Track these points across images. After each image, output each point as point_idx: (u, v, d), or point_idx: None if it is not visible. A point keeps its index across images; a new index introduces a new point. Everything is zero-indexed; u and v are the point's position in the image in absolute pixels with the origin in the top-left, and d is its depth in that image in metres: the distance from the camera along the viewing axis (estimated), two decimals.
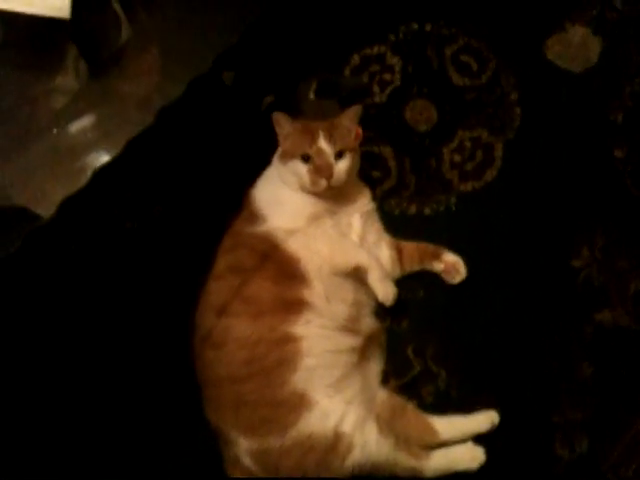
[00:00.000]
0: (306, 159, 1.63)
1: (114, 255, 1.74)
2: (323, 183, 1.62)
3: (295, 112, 1.79)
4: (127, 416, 1.70)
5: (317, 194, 1.66)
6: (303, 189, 1.65)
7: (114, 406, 1.70)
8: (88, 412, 1.69)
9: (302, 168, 1.63)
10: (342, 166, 1.64)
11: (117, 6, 1.67)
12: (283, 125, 1.67)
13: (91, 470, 1.65)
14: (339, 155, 1.64)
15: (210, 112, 1.85)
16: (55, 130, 1.37)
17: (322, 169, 1.61)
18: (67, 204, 1.21)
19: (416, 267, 1.78)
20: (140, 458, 1.69)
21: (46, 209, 1.23)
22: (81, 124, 1.41)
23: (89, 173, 1.29)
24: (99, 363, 1.72)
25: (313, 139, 1.63)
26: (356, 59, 2.02)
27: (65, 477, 1.64)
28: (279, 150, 1.71)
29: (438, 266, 1.76)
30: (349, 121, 1.69)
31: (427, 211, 1.89)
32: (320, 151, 1.62)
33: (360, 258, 1.64)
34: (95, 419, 1.69)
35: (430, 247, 1.78)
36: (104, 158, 1.33)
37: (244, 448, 1.53)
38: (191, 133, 1.69)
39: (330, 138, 1.63)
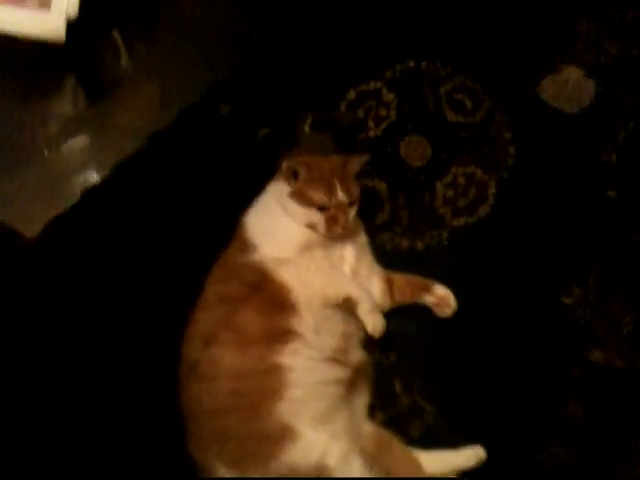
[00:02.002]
0: (323, 208, 1.66)
1: (102, 282, 1.73)
2: (339, 231, 1.66)
3: (290, 145, 1.81)
4: (108, 448, 1.65)
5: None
6: (314, 231, 1.68)
7: (97, 437, 1.65)
8: (69, 442, 1.64)
9: (318, 217, 1.67)
10: (353, 213, 1.70)
11: (117, 37, 1.70)
12: (300, 171, 1.69)
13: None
14: (351, 204, 1.69)
15: (205, 142, 1.87)
16: (46, 152, 1.38)
17: (339, 219, 1.66)
18: (54, 224, 1.22)
19: (407, 300, 1.78)
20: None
21: (33, 230, 1.24)
22: (73, 147, 1.43)
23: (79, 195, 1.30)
24: (81, 392, 1.66)
25: (331, 191, 1.66)
26: (352, 94, 2.04)
27: None
28: (286, 186, 1.71)
29: (429, 299, 1.76)
30: (358, 167, 1.74)
31: (419, 245, 1.89)
32: (339, 204, 1.66)
33: (351, 290, 1.65)
34: (75, 452, 1.63)
35: (421, 280, 1.78)
36: (94, 180, 1.34)
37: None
38: (184, 160, 1.70)
39: (346, 189, 1.67)
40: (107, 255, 1.59)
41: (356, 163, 1.74)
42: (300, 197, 1.68)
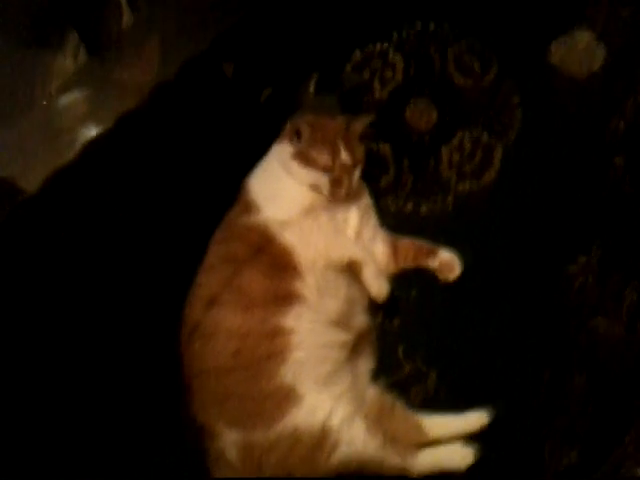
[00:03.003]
0: (327, 170, 1.63)
1: (104, 243, 1.72)
2: (343, 193, 1.64)
3: (294, 106, 1.78)
4: (108, 412, 1.66)
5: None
6: (317, 193, 1.65)
7: (94, 401, 1.66)
8: (65, 404, 1.64)
9: (323, 179, 1.64)
10: (357, 175, 1.67)
11: None
12: (304, 133, 1.66)
13: (65, 464, 1.60)
14: (355, 165, 1.66)
15: (208, 102, 1.84)
16: (45, 103, 1.35)
17: (343, 182, 1.63)
18: (54, 179, 1.18)
19: (411, 264, 1.76)
20: (121, 455, 1.64)
21: (33, 183, 1.21)
22: (74, 100, 1.39)
23: (78, 147, 1.27)
24: (81, 352, 1.67)
25: (335, 153, 1.63)
26: (358, 55, 2.00)
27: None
28: (292, 149, 1.68)
29: (433, 263, 1.74)
30: (362, 128, 1.71)
31: (424, 210, 1.86)
32: (342, 166, 1.63)
33: (355, 253, 1.63)
34: (73, 413, 1.64)
35: (425, 244, 1.76)
36: (93, 134, 1.31)
37: (229, 441, 1.51)
38: (186, 116, 1.67)
39: (350, 150, 1.65)
40: (108, 212, 1.56)
41: (360, 124, 1.71)
42: (303, 158, 1.65)
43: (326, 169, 1.63)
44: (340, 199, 1.65)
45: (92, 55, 1.57)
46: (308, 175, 1.65)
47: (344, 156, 1.64)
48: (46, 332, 1.63)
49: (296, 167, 1.65)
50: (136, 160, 1.56)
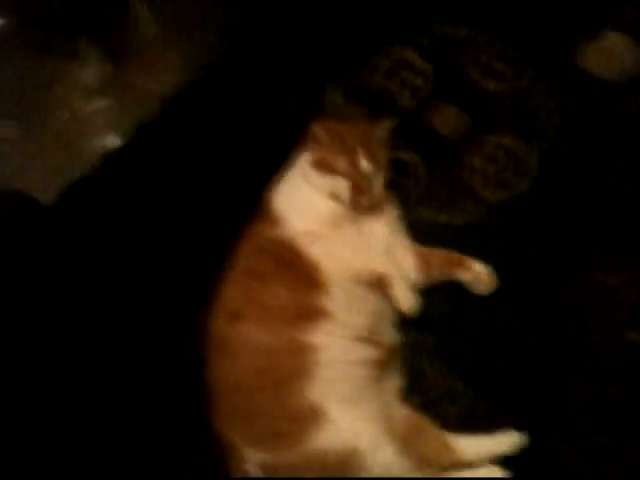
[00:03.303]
0: (346, 176, 1.58)
1: (123, 253, 1.69)
2: (364, 202, 1.58)
3: (321, 116, 1.74)
4: (129, 427, 1.63)
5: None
6: (338, 202, 1.60)
7: (114, 415, 1.63)
8: (86, 420, 1.62)
9: (343, 186, 1.59)
10: (379, 183, 1.61)
11: (141, 3, 1.65)
12: (320, 137, 1.62)
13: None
14: (376, 172, 1.61)
15: (233, 113, 1.81)
16: (66, 113, 1.32)
17: (364, 190, 1.58)
18: (70, 192, 1.15)
19: (442, 276, 1.70)
20: (141, 470, 1.60)
21: (50, 195, 1.18)
22: (94, 108, 1.36)
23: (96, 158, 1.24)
24: (100, 367, 1.65)
25: (354, 158, 1.58)
26: (386, 64, 1.95)
27: None
28: (311, 157, 1.64)
29: (466, 276, 1.67)
30: (383, 133, 1.65)
31: (456, 221, 1.81)
32: (362, 172, 1.58)
33: (383, 267, 1.58)
34: (93, 428, 1.62)
35: (457, 256, 1.70)
36: (114, 144, 1.28)
37: (253, 461, 1.46)
38: (209, 127, 1.64)
39: (371, 157, 1.59)
40: (125, 224, 1.53)
41: (382, 129, 1.65)
42: (322, 165, 1.60)
43: (345, 175, 1.58)
44: (362, 207, 1.59)
45: (116, 65, 1.54)
46: (327, 183, 1.60)
47: (363, 162, 1.58)
48: (60, 341, 1.61)
49: (315, 176, 1.61)
50: (155, 170, 1.53)
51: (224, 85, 1.61)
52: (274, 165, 1.72)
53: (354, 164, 1.57)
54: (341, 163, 1.58)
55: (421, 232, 1.76)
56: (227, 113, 1.69)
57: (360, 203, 1.58)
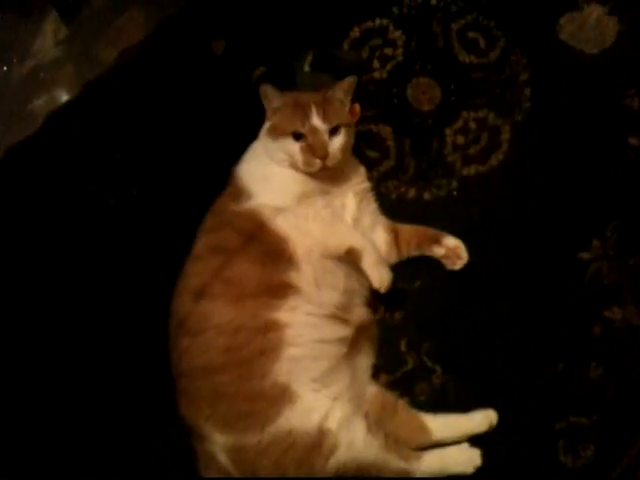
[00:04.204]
0: (298, 137, 1.52)
1: (89, 234, 1.65)
2: (317, 163, 1.52)
3: (289, 85, 1.69)
4: (96, 408, 1.62)
5: (309, 173, 1.54)
6: (294, 168, 1.54)
7: (82, 397, 1.63)
8: (53, 400, 1.62)
9: (294, 147, 1.53)
10: (337, 144, 1.54)
11: None
12: (272, 98, 1.57)
13: (56, 461, 1.58)
14: (333, 132, 1.54)
15: (196, 82, 1.75)
16: (5, 68, 1.23)
17: (316, 148, 1.51)
18: (14, 152, 1.08)
19: (414, 252, 1.66)
20: (109, 454, 1.60)
21: None
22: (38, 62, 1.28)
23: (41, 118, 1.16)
24: (68, 349, 1.64)
25: (305, 115, 1.52)
26: (356, 32, 1.90)
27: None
28: (267, 124, 1.60)
29: (438, 251, 1.64)
30: (343, 93, 1.59)
31: (427, 196, 1.77)
32: (313, 129, 1.52)
33: (354, 240, 1.53)
34: (61, 408, 1.61)
35: (429, 231, 1.66)
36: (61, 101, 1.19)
37: (220, 444, 1.42)
38: (167, 100, 1.57)
39: (324, 114, 1.53)
40: (99, 206, 1.48)
41: (340, 87, 1.59)
42: (275, 130, 1.56)
43: (297, 135, 1.52)
44: (316, 170, 1.53)
45: (70, 29, 1.46)
46: (280, 147, 1.54)
47: (315, 119, 1.52)
48: (27, 325, 1.59)
49: (270, 143, 1.57)
50: (121, 151, 1.47)
51: (183, 47, 1.54)
52: (241, 138, 1.66)
53: (305, 121, 1.52)
54: (291, 121, 1.53)
55: (390, 207, 1.73)
56: (186, 77, 1.63)
57: (314, 164, 1.52)
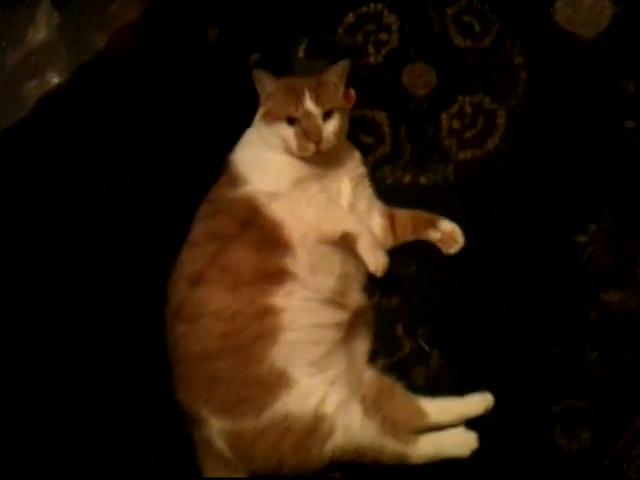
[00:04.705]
0: (292, 121, 1.52)
1: (84, 221, 1.66)
2: (311, 147, 1.51)
3: (283, 71, 1.68)
4: (93, 397, 1.62)
5: (304, 158, 1.54)
6: (289, 153, 1.54)
7: (79, 385, 1.63)
8: (47, 389, 1.62)
9: (288, 131, 1.52)
10: (331, 128, 1.53)
11: None
12: (265, 83, 1.57)
13: (51, 453, 1.58)
14: (327, 115, 1.53)
15: (191, 69, 1.74)
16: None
17: (310, 132, 1.50)
18: (6, 136, 1.08)
19: (410, 237, 1.66)
20: (106, 442, 1.60)
21: None
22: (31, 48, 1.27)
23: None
24: (62, 336, 1.64)
25: (299, 100, 1.52)
26: (351, 17, 1.89)
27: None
28: (261, 110, 1.60)
29: (434, 235, 1.64)
30: (337, 77, 1.59)
31: (423, 180, 1.76)
32: (307, 113, 1.51)
33: (349, 225, 1.53)
34: (56, 397, 1.61)
35: (425, 215, 1.66)
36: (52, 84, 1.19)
37: (216, 429, 1.43)
38: (162, 87, 1.57)
39: (317, 98, 1.52)
40: (94, 194, 1.48)
41: (334, 71, 1.59)
42: (269, 115, 1.55)
43: (291, 119, 1.52)
44: (311, 154, 1.52)
45: (62, 15, 1.46)
46: (274, 132, 1.54)
47: (309, 103, 1.52)
48: (22, 313, 1.60)
49: (265, 129, 1.56)
50: (116, 139, 1.47)
51: (177, 34, 1.54)
52: (236, 124, 1.66)
53: (298, 105, 1.51)
54: (285, 106, 1.53)
55: (386, 192, 1.72)
56: (180, 64, 1.62)
57: (308, 148, 1.52)
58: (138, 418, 1.61)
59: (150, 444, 1.59)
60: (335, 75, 1.58)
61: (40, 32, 1.41)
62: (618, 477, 1.52)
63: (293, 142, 1.52)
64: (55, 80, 1.23)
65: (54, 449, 1.57)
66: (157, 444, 1.59)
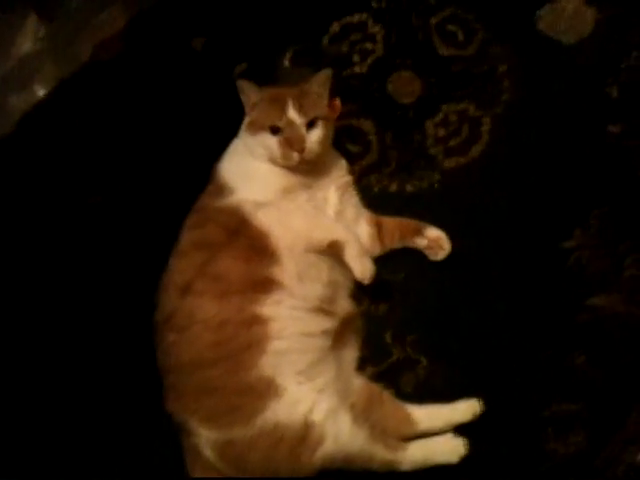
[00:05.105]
0: (275, 131, 1.52)
1: (74, 232, 1.66)
2: (295, 157, 1.52)
3: (270, 81, 1.69)
4: (83, 404, 1.62)
5: (289, 167, 1.55)
6: (274, 162, 1.55)
7: (70, 395, 1.62)
8: (39, 397, 1.61)
9: (272, 141, 1.53)
10: (314, 137, 1.54)
11: None
12: (249, 93, 1.58)
13: (45, 456, 1.58)
14: (311, 125, 1.54)
15: (177, 79, 1.75)
16: None
17: (293, 142, 1.51)
18: None
19: (397, 244, 1.67)
20: (96, 450, 1.59)
21: None
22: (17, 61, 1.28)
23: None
24: (53, 346, 1.64)
25: (282, 109, 1.53)
26: (336, 27, 1.90)
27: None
28: (246, 120, 1.61)
29: (421, 242, 1.64)
30: (320, 86, 1.59)
31: (409, 188, 1.77)
32: (290, 122, 1.52)
33: (336, 233, 1.53)
34: (48, 404, 1.61)
35: (412, 222, 1.67)
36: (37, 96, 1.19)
37: (205, 439, 1.43)
38: (149, 98, 1.58)
39: (300, 107, 1.53)
40: (84, 204, 1.48)
41: (315, 82, 1.59)
42: (254, 125, 1.56)
43: (275, 129, 1.52)
44: (295, 163, 1.53)
45: (48, 28, 1.46)
46: (258, 142, 1.55)
47: (292, 112, 1.52)
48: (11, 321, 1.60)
49: (250, 138, 1.57)
50: (106, 151, 1.48)
51: (163, 44, 1.54)
52: (223, 135, 1.66)
53: (282, 115, 1.52)
54: (268, 115, 1.53)
55: (372, 200, 1.73)
56: (167, 74, 1.63)
57: (292, 158, 1.52)
58: (130, 426, 1.61)
59: (143, 453, 1.60)
60: (318, 84, 1.59)
61: (27, 44, 1.42)
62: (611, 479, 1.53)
63: (277, 151, 1.52)
64: (41, 92, 1.23)
65: (48, 451, 1.58)
66: (150, 453, 1.59)
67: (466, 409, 1.54)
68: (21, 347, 1.63)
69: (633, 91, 1.81)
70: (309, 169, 1.57)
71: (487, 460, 1.52)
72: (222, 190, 1.55)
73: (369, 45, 1.89)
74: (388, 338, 1.66)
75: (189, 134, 1.77)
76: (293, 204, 1.54)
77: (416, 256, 1.67)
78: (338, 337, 1.55)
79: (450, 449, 1.50)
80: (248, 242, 1.49)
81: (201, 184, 1.61)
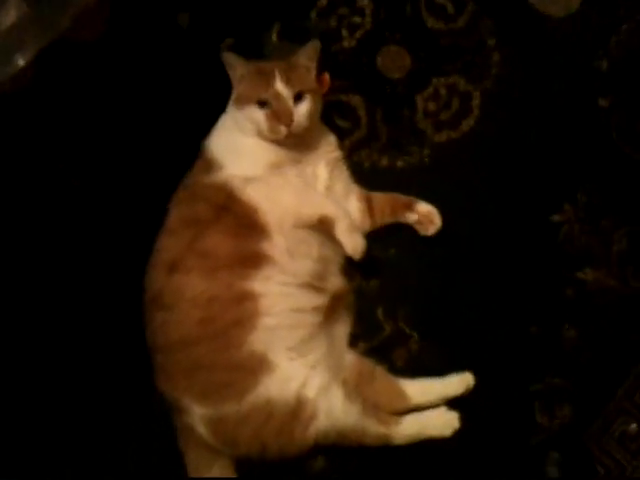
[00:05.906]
0: (263, 104, 1.50)
1: (60, 213, 1.65)
2: (283, 130, 1.49)
3: (257, 57, 1.67)
4: (74, 386, 1.61)
5: (278, 141, 1.53)
6: (261, 136, 1.53)
7: (58, 375, 1.61)
8: (28, 379, 1.60)
9: (259, 114, 1.50)
10: (302, 110, 1.51)
11: None
12: (236, 67, 1.55)
13: (34, 442, 1.56)
14: (298, 98, 1.51)
15: (163, 55, 1.73)
16: None
17: (281, 114, 1.48)
18: None
19: (387, 219, 1.65)
20: (87, 431, 1.59)
21: None
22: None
23: None
24: (43, 328, 1.62)
25: (269, 82, 1.50)
26: (324, 1, 1.87)
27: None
28: (233, 94, 1.58)
29: (411, 217, 1.63)
30: (307, 59, 1.57)
31: (400, 163, 1.76)
32: (277, 95, 1.49)
33: (326, 208, 1.52)
34: (38, 387, 1.60)
35: (402, 198, 1.65)
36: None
37: (198, 416, 1.43)
38: (135, 75, 1.55)
39: (287, 79, 1.50)
40: (68, 186, 1.46)
41: (303, 54, 1.57)
42: (241, 99, 1.54)
43: (262, 102, 1.50)
44: (282, 137, 1.51)
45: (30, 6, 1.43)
46: (246, 116, 1.52)
47: (279, 85, 1.50)
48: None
49: (237, 113, 1.55)
50: (90, 128, 1.45)
51: (148, 21, 1.52)
52: (211, 111, 1.64)
53: (269, 88, 1.50)
54: (255, 89, 1.51)
55: (363, 176, 1.71)
56: (152, 50, 1.61)
57: (279, 131, 1.50)
58: (121, 411, 1.60)
59: (134, 438, 1.59)
60: (305, 56, 1.57)
61: (9, 17, 1.39)
62: (599, 451, 1.53)
63: (264, 125, 1.50)
64: (21, 62, 1.21)
65: (39, 432, 1.57)
66: (141, 438, 1.59)
67: (459, 383, 1.55)
68: (5, 328, 1.60)
69: (623, 64, 1.81)
70: (297, 143, 1.55)
71: (478, 433, 1.54)
72: (210, 166, 1.53)
73: (357, 19, 1.86)
74: (380, 314, 1.66)
75: (176, 110, 1.74)
76: (282, 179, 1.52)
77: (407, 232, 1.66)
78: (329, 313, 1.54)
79: (443, 423, 1.51)
80: (237, 218, 1.47)
81: (189, 161, 1.59)
